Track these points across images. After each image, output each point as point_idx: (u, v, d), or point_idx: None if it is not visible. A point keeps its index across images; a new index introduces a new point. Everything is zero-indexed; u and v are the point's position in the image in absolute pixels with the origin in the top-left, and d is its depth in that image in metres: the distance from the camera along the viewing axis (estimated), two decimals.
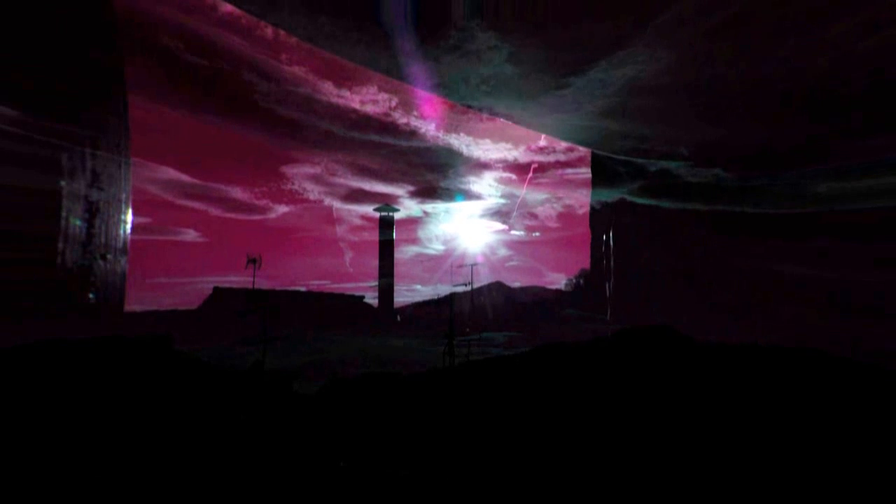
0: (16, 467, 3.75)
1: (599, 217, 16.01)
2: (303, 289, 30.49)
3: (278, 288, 28.26)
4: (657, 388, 4.46)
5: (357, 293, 32.33)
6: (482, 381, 5.69)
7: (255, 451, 4.46)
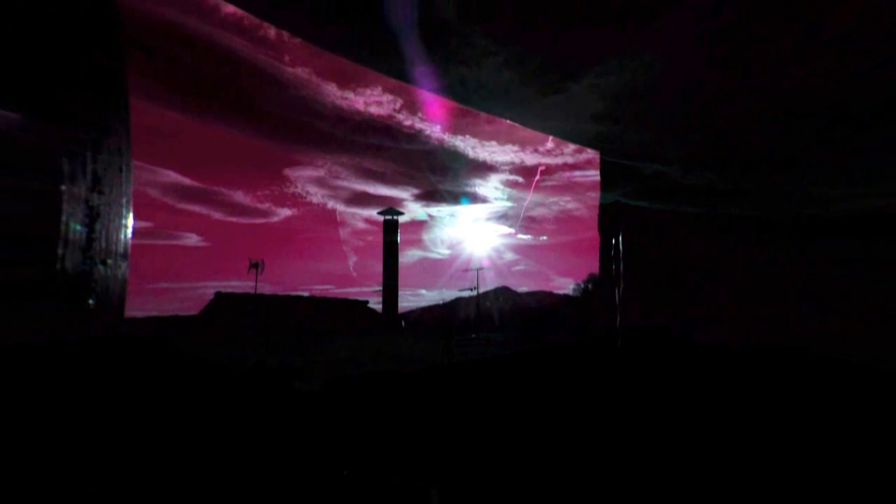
0: (13, 467, 3.78)
1: (609, 221, 15.97)
2: (306, 293, 30.61)
3: (281, 293, 28.38)
4: (649, 385, 4.45)
5: (361, 298, 32.42)
6: (478, 378, 5.72)
7: (255, 453, 4.48)
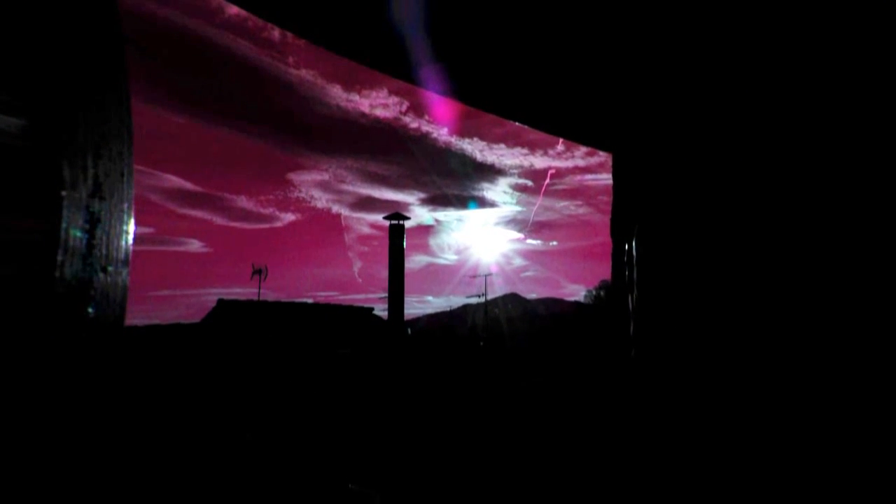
0: None
1: (622, 225, 15.88)
2: (310, 300, 30.69)
3: (284, 300, 28.48)
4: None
5: (366, 305, 32.45)
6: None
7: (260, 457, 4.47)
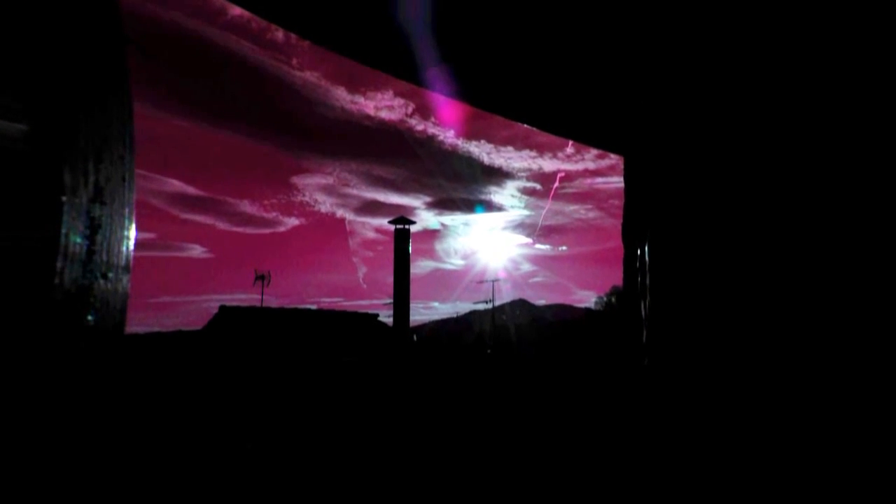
0: None
1: (634, 230, 15.79)
2: (314, 307, 30.76)
3: (288, 306, 28.57)
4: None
5: (371, 311, 32.46)
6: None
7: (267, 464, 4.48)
